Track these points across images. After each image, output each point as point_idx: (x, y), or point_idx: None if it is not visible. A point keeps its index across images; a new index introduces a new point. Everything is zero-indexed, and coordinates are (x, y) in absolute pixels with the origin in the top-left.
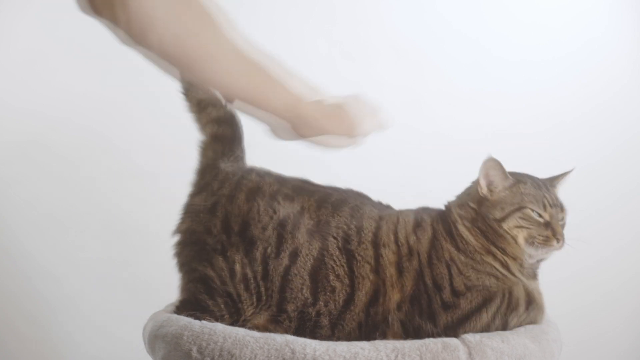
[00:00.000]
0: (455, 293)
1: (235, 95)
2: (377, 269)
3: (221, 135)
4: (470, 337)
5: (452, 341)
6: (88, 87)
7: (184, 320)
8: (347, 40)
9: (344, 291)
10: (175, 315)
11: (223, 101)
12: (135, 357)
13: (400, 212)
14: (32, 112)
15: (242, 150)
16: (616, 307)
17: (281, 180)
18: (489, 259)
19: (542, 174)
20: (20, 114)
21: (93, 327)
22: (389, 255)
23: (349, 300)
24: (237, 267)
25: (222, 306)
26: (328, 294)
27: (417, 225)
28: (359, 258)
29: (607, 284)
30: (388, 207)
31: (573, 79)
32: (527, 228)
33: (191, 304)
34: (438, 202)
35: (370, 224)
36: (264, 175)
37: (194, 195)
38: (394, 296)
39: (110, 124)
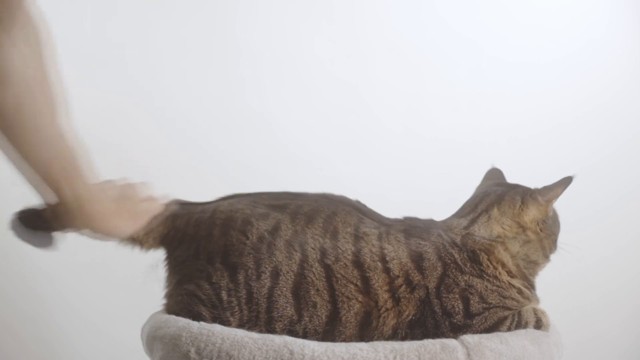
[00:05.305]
0: (470, 315)
1: (40, 170)
2: (367, 291)
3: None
4: (469, 338)
5: (451, 342)
6: (86, 88)
7: (183, 321)
8: (345, 41)
9: (325, 307)
10: (174, 317)
11: None
12: (134, 358)
13: (383, 231)
14: None
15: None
16: (616, 307)
17: (254, 201)
18: (514, 282)
19: (542, 174)
20: None
21: (90, 327)
22: (378, 281)
23: (334, 317)
24: (224, 294)
25: (211, 320)
26: (310, 309)
27: (419, 258)
28: (338, 276)
29: (607, 284)
30: (362, 207)
31: (573, 80)
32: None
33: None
34: (437, 204)
35: (347, 239)
36: (235, 202)
37: (174, 249)
38: (390, 321)
39: (107, 124)
